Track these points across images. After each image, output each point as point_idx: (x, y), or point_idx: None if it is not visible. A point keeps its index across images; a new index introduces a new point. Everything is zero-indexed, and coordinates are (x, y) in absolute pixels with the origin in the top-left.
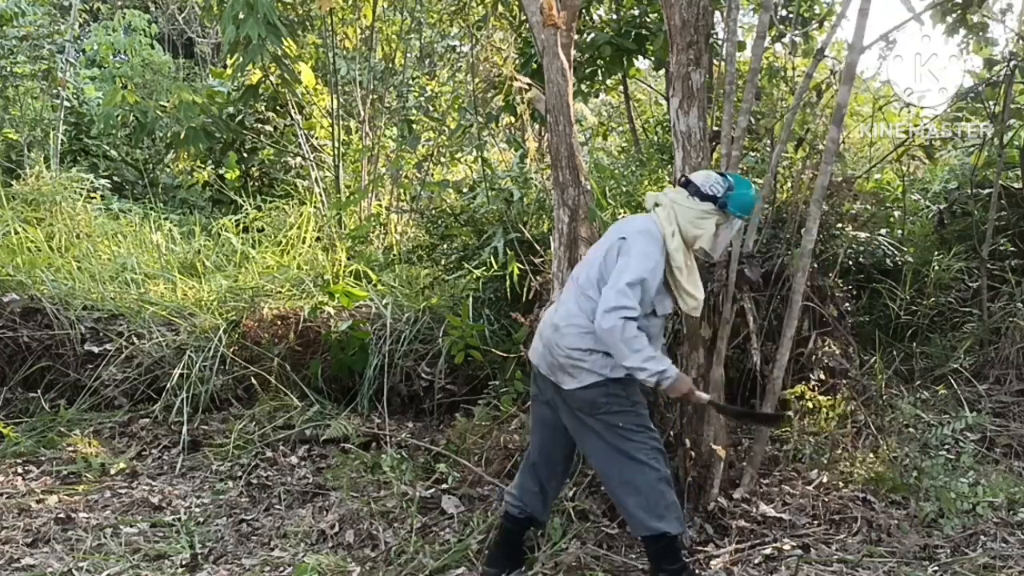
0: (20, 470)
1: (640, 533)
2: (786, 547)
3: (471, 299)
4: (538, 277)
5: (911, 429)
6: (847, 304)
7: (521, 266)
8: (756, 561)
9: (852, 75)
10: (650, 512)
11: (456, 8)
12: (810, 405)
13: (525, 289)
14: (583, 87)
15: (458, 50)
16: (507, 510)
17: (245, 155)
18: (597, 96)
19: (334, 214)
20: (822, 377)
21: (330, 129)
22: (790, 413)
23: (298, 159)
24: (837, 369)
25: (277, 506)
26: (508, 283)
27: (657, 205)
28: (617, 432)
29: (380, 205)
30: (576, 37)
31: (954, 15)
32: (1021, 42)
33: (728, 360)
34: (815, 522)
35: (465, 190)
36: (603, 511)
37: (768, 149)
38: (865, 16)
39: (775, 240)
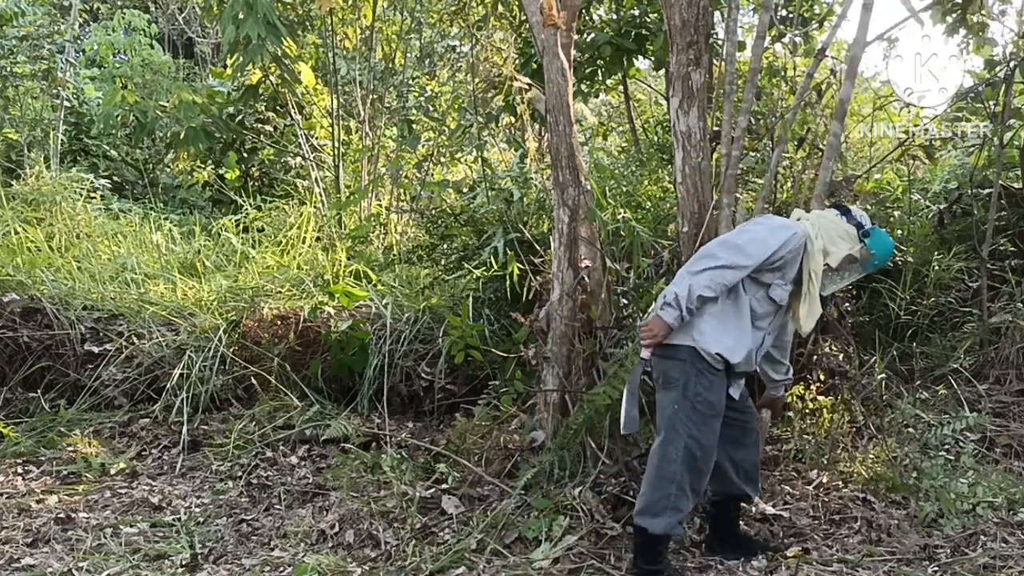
0: (20, 470)
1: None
2: (786, 547)
3: (471, 299)
4: (538, 277)
5: (911, 429)
6: (847, 304)
7: (521, 266)
8: (756, 561)
9: (855, 71)
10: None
11: (456, 8)
12: (811, 405)
13: (525, 289)
14: (583, 87)
15: (458, 50)
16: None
17: (245, 155)
18: (597, 96)
19: (334, 214)
20: (822, 377)
21: (330, 129)
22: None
23: (298, 159)
24: (837, 369)
25: (277, 506)
26: (508, 283)
27: (800, 219)
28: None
29: (380, 205)
30: (576, 37)
31: (954, 15)
32: (1021, 42)
33: None
34: (815, 522)
35: (465, 190)
36: (606, 511)
37: (768, 149)
38: (869, 10)
39: None
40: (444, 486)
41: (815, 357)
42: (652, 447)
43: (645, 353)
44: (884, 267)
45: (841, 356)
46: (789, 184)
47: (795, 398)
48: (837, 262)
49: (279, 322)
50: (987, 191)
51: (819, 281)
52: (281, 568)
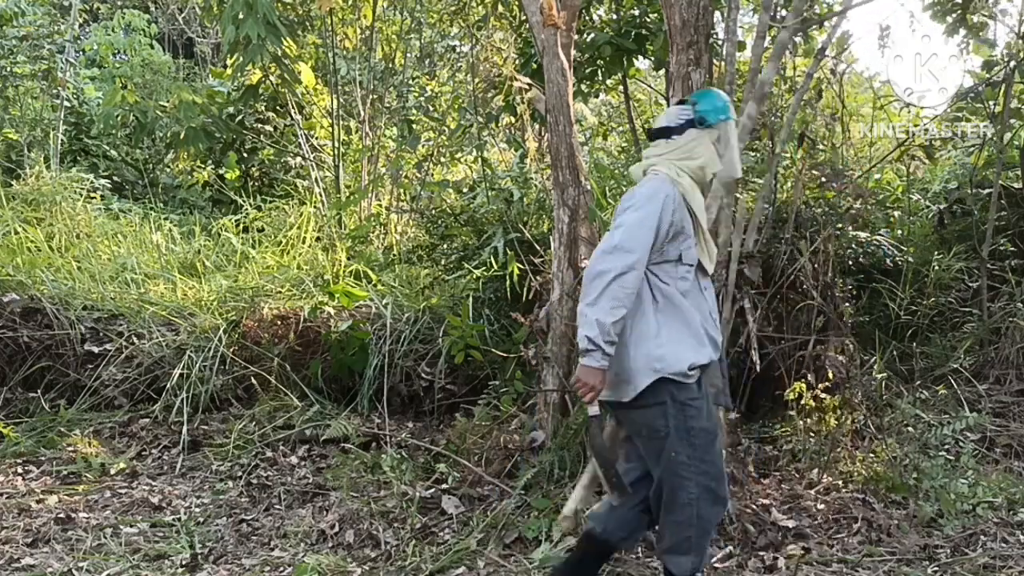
0: (20, 470)
1: None
2: (786, 547)
3: (471, 299)
4: (538, 277)
5: (911, 429)
6: (847, 304)
7: (521, 266)
8: (756, 561)
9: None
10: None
11: (456, 8)
12: (811, 404)
13: (525, 289)
14: (583, 87)
15: (458, 50)
16: None
17: (245, 155)
18: (597, 96)
19: (334, 214)
20: (829, 376)
21: (330, 129)
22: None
23: (298, 159)
24: (838, 368)
25: (277, 506)
26: (508, 283)
27: (647, 171)
28: None
29: (380, 205)
30: (576, 37)
31: (954, 15)
32: (1021, 42)
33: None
34: (815, 522)
35: (465, 190)
36: None
37: (768, 149)
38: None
39: (775, 240)
40: (444, 486)
41: (814, 357)
42: (655, 488)
43: (593, 410)
44: (724, 113)
45: (841, 356)
46: (789, 184)
47: (794, 396)
48: (717, 163)
49: (279, 322)
50: (987, 191)
51: (705, 214)
52: (281, 568)
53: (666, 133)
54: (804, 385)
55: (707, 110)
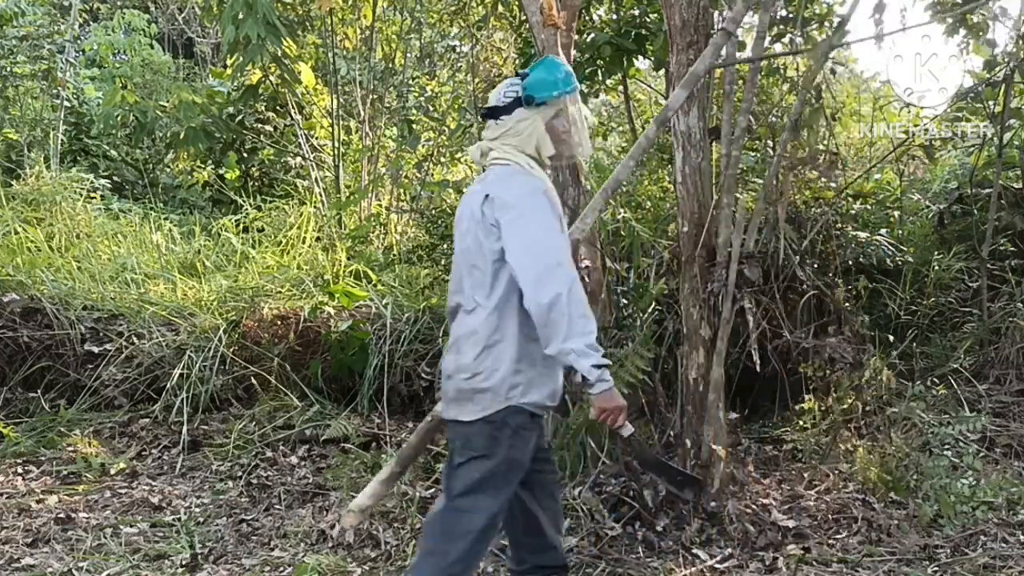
0: (20, 470)
1: None
2: (786, 547)
3: None
4: None
5: (911, 429)
6: (847, 304)
7: None
8: (756, 562)
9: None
10: None
11: (456, 8)
12: (811, 404)
13: None
14: (583, 87)
15: (458, 50)
16: None
17: (245, 155)
18: (597, 96)
19: (334, 214)
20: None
21: (330, 129)
22: (702, 481)
23: (298, 159)
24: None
25: (277, 506)
26: None
27: (486, 153)
28: None
29: (380, 205)
30: (576, 37)
31: (954, 15)
32: (1021, 42)
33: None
34: (815, 522)
35: (465, 190)
36: (606, 511)
37: (768, 149)
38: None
39: (775, 240)
40: None
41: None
42: (434, 510)
43: (628, 429)
44: (559, 88)
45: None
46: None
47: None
48: (552, 145)
49: (279, 322)
50: (987, 191)
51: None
52: (281, 568)
53: (495, 113)
54: (814, 367)
55: (535, 85)
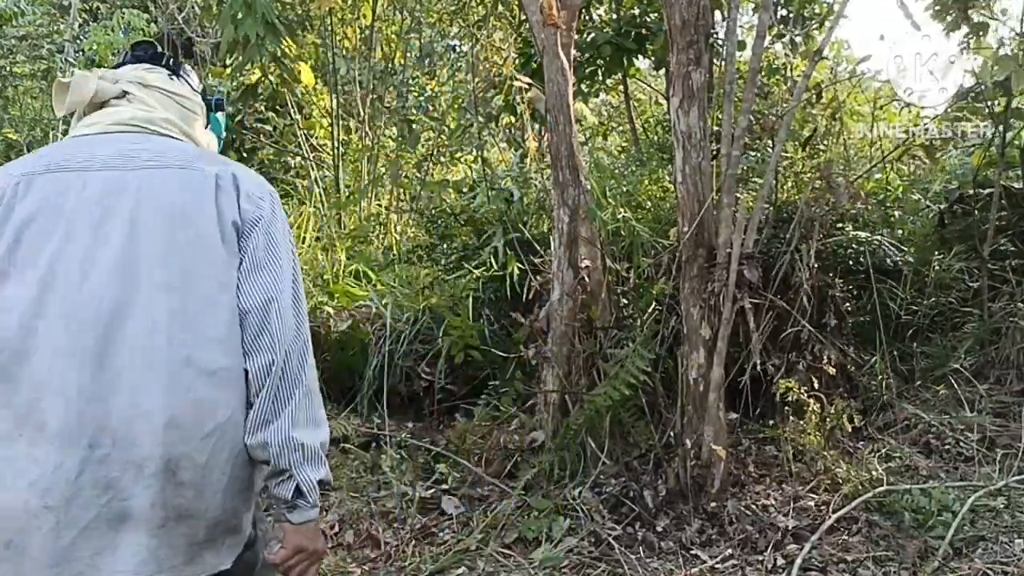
0: None
1: None
2: (785, 547)
3: (471, 299)
4: (538, 277)
5: (911, 429)
6: (847, 304)
7: (521, 266)
8: (756, 562)
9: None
10: None
11: (456, 8)
12: (810, 404)
13: (525, 289)
14: (583, 87)
15: (458, 50)
16: None
17: (245, 155)
18: (597, 96)
19: (334, 214)
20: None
21: (330, 129)
22: None
23: (298, 159)
24: (837, 365)
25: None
26: (508, 283)
27: (124, 95)
28: None
29: (380, 205)
30: (576, 37)
31: (954, 14)
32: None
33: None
34: (815, 522)
35: (465, 190)
36: (606, 511)
37: (768, 149)
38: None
39: (775, 240)
40: (444, 486)
41: (815, 357)
42: None
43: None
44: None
45: (841, 356)
46: (790, 184)
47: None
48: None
49: None
50: (988, 191)
51: None
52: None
53: (174, 68)
54: (791, 384)
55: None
